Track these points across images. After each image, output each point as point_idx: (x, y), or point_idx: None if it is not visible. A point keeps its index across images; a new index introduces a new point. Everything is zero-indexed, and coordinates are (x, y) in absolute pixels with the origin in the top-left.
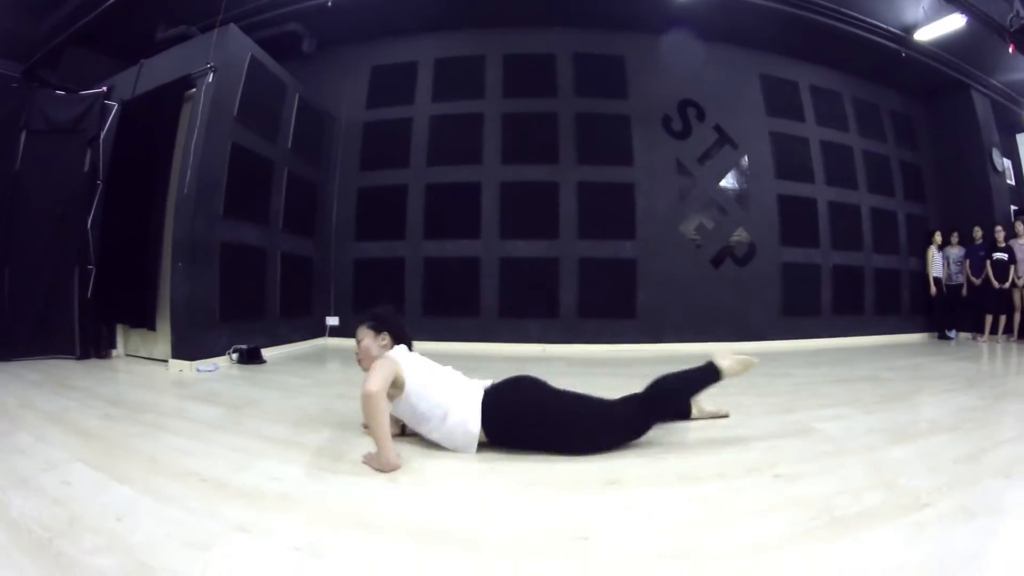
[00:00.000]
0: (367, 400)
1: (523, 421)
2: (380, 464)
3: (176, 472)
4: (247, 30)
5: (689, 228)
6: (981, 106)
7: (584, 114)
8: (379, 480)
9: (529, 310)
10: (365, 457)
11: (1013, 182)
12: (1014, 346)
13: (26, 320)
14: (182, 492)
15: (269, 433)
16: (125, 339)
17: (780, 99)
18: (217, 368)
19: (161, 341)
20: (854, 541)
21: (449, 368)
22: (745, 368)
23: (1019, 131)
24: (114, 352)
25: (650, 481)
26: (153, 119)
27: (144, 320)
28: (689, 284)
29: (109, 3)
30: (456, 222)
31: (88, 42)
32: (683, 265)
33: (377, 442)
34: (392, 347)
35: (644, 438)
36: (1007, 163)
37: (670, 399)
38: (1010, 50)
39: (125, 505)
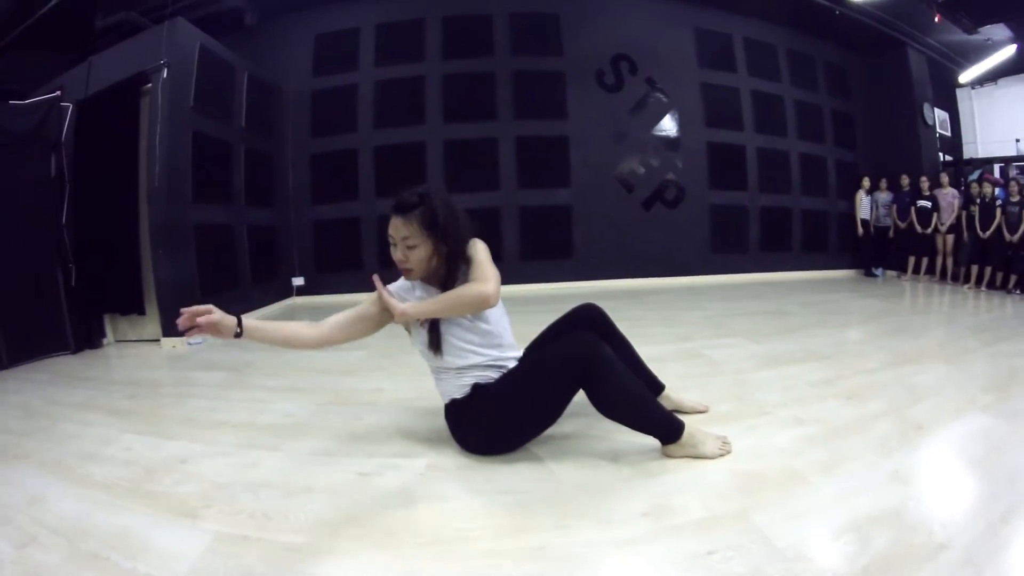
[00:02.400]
0: (483, 303)
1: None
2: (403, 308)
3: (211, 424)
4: (189, 10)
5: (621, 175)
6: (916, 63)
7: (521, 72)
8: (366, 408)
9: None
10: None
11: (949, 133)
12: (935, 286)
13: (18, 326)
14: (221, 436)
15: (272, 385)
16: (113, 327)
17: (713, 51)
18: (205, 340)
19: (149, 323)
20: None
21: None
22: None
23: (957, 87)
24: (105, 341)
25: None
26: (113, 117)
27: (133, 306)
28: (621, 226)
29: (50, 5)
30: (404, 180)
31: (31, 41)
32: (616, 208)
33: (428, 308)
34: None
35: None
36: (944, 116)
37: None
38: (936, 20)
39: (183, 453)
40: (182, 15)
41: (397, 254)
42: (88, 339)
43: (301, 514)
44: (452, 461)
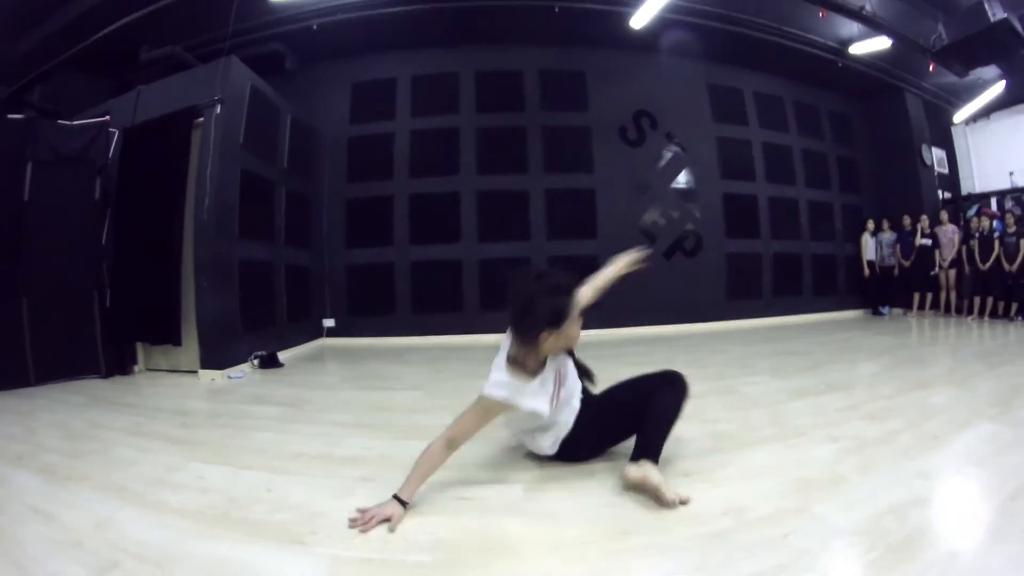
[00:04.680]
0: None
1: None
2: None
3: (287, 455)
4: (232, 50)
5: (644, 226)
6: (913, 106)
7: (549, 127)
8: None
9: (506, 304)
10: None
11: (947, 171)
12: (940, 320)
13: (49, 345)
14: (302, 467)
15: (337, 420)
16: (145, 355)
17: (726, 105)
18: (244, 374)
19: (184, 354)
20: (748, 453)
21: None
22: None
23: (952, 125)
24: (136, 368)
25: None
26: (163, 146)
27: (169, 337)
28: (644, 275)
29: (105, 32)
30: (438, 228)
31: (73, 64)
32: None
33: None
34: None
35: None
36: (941, 154)
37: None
38: (930, 68)
39: (266, 482)
40: (227, 55)
41: None
42: (120, 364)
43: (420, 535)
44: (542, 485)
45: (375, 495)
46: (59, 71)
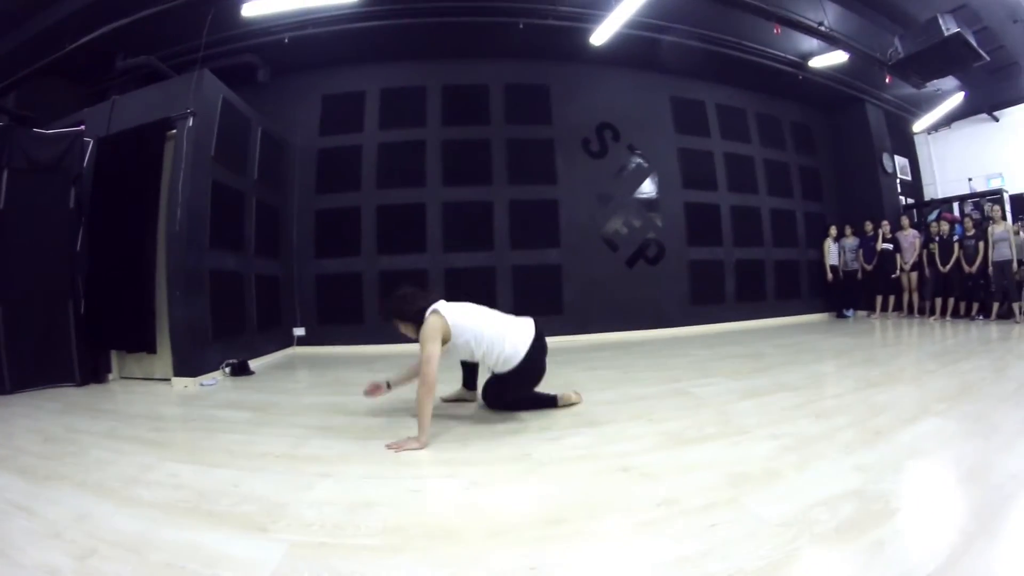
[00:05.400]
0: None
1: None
2: (420, 445)
3: (253, 455)
4: (206, 60)
5: (606, 235)
6: (874, 116)
7: (514, 139)
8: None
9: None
10: (392, 444)
11: (910, 178)
12: (903, 321)
13: (24, 353)
14: (268, 465)
15: (302, 423)
16: (119, 363)
17: (688, 117)
18: (216, 382)
19: (158, 362)
20: (689, 449)
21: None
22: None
23: (914, 134)
24: (110, 376)
25: (573, 424)
26: (137, 157)
27: (144, 345)
28: (607, 283)
29: (82, 41)
30: (405, 239)
31: (50, 70)
32: (602, 267)
33: (421, 425)
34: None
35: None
36: (904, 162)
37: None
38: (887, 80)
39: (233, 479)
40: (200, 65)
41: None
42: (94, 373)
43: (370, 523)
44: (487, 478)
45: (335, 486)
46: (36, 77)
